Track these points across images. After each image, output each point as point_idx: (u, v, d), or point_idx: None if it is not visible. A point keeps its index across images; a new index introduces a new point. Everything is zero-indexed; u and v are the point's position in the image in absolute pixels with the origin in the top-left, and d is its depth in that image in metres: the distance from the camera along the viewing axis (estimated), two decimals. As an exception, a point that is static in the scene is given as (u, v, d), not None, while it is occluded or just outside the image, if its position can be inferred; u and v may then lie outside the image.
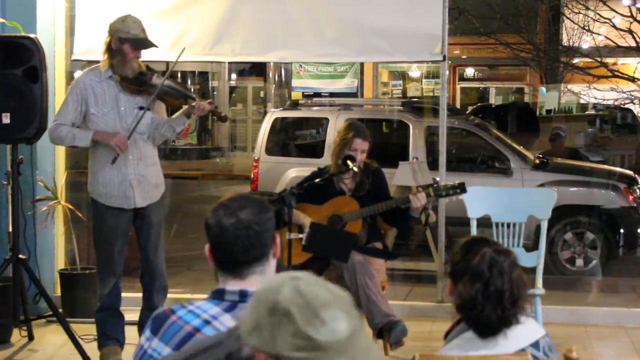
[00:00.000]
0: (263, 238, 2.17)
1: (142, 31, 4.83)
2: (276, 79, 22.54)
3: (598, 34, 16.79)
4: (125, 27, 4.77)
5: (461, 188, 4.88)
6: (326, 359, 1.54)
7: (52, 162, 6.24)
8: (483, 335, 2.53)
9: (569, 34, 19.71)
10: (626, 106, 17.49)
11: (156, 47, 4.96)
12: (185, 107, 4.92)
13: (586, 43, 18.89)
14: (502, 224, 5.29)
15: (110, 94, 4.84)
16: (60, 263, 6.37)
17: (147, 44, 4.87)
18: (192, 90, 6.17)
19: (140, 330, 4.82)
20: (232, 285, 2.15)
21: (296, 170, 8.32)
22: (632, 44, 14.93)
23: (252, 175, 8.86)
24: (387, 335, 4.64)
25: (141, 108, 4.84)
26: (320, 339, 1.53)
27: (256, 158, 8.86)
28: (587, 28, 16.90)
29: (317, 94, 19.20)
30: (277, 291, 1.59)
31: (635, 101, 16.43)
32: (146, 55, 4.94)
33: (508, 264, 2.54)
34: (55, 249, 6.32)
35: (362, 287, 4.66)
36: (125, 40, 4.77)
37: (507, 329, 2.51)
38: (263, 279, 2.18)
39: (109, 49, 4.82)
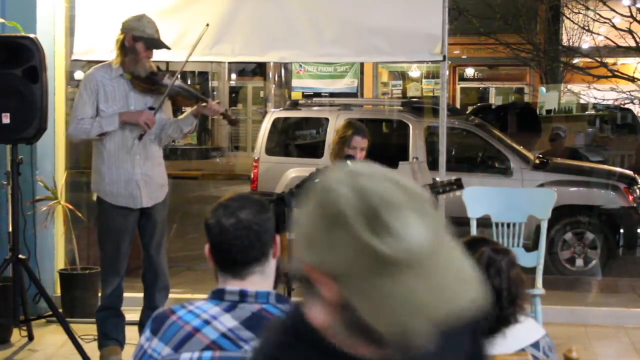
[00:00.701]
0: (263, 238, 2.17)
1: (157, 32, 4.86)
2: (276, 79, 22.53)
3: (598, 34, 16.77)
4: (141, 26, 4.78)
5: (458, 184, 4.87)
6: (394, 275, 1.17)
7: (52, 162, 6.24)
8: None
9: (569, 34, 19.69)
10: (626, 106, 17.46)
11: (169, 48, 4.97)
12: (192, 107, 4.93)
13: (586, 43, 18.87)
14: (502, 224, 5.29)
15: (120, 92, 4.85)
16: (60, 263, 6.37)
17: (160, 44, 4.89)
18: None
19: (141, 330, 4.82)
20: (232, 285, 2.15)
21: (296, 170, 8.32)
22: (632, 44, 14.90)
23: (252, 175, 8.86)
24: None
25: (151, 108, 4.85)
26: (386, 250, 1.16)
27: (256, 158, 8.86)
28: (587, 28, 16.88)
29: (317, 94, 19.19)
30: (329, 191, 1.22)
31: (635, 101, 16.40)
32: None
33: (506, 263, 2.54)
34: (55, 249, 6.32)
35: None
36: (139, 39, 4.78)
37: (505, 329, 2.52)
38: (262, 278, 2.19)
39: (122, 46, 4.83)
